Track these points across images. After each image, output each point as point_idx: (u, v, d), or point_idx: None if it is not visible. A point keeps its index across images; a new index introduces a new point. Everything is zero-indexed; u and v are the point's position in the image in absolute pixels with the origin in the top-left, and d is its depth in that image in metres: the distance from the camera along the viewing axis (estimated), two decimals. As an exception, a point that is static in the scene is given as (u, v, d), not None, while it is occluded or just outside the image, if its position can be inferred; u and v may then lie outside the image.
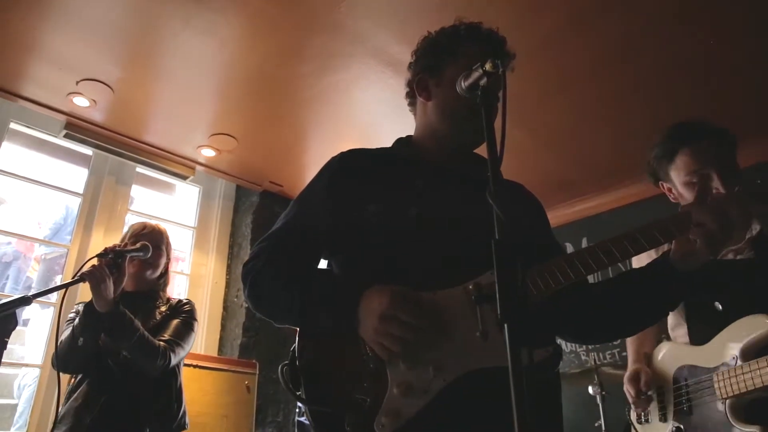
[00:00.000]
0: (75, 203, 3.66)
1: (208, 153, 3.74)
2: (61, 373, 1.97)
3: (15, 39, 2.71)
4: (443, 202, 1.26)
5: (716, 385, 1.59)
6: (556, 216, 4.14)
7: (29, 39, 2.72)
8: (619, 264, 1.20)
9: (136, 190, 4.02)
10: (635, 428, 1.87)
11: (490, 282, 1.00)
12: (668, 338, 1.91)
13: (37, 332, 3.89)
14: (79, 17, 2.57)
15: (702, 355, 1.69)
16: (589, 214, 4.21)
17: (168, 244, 2.39)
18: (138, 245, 2.15)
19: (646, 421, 1.83)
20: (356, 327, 1.11)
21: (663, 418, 1.75)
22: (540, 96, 3.07)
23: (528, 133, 3.40)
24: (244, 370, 3.22)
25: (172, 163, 3.80)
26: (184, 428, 2.17)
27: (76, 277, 1.91)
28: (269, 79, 3.00)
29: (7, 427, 3.61)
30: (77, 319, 2.02)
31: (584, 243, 4.10)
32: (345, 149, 1.40)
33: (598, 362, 2.88)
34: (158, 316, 2.22)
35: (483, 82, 1.05)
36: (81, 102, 3.19)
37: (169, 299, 2.33)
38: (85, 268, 1.93)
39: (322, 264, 1.36)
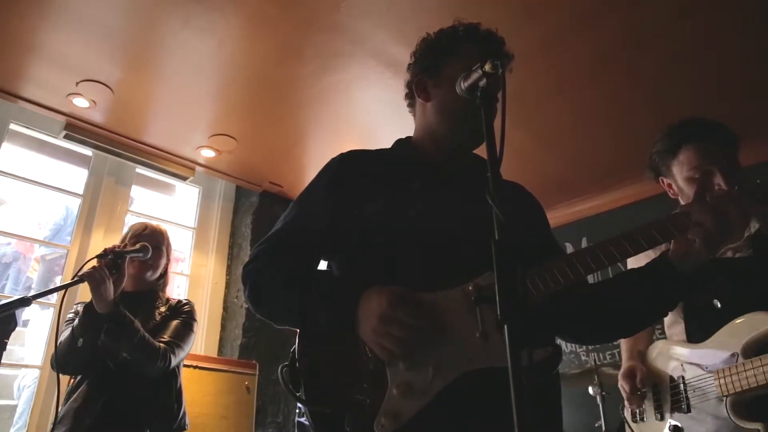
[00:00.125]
0: (75, 204, 3.66)
1: (207, 153, 3.74)
2: (60, 374, 1.97)
3: (15, 40, 2.71)
4: (443, 203, 1.26)
5: (717, 383, 1.59)
6: (556, 216, 4.15)
7: (29, 40, 2.72)
8: (619, 264, 1.20)
9: (136, 191, 4.02)
10: (630, 427, 1.86)
11: (489, 282, 1.01)
12: (663, 336, 1.91)
13: (36, 333, 3.89)
14: (78, 18, 2.58)
15: (701, 353, 1.69)
16: (588, 214, 4.21)
17: (168, 245, 2.38)
18: (138, 246, 2.15)
19: (641, 419, 1.83)
20: (356, 327, 1.11)
21: (659, 416, 1.75)
22: (539, 96, 3.07)
23: (527, 133, 3.40)
24: (244, 370, 3.21)
25: (171, 164, 3.80)
26: (184, 429, 2.17)
27: (75, 278, 1.91)
28: (269, 79, 3.00)
29: (7, 428, 3.61)
30: (77, 320, 2.01)
31: (584, 243, 4.10)
32: (345, 149, 1.40)
33: (598, 362, 2.88)
34: (158, 317, 2.22)
35: (482, 83, 1.05)
36: (81, 103, 3.19)
37: (168, 300, 2.33)
38: (85, 269, 1.93)
39: (322, 265, 1.37)
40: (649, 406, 1.80)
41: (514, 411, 0.76)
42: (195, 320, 2.30)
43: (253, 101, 3.22)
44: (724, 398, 1.57)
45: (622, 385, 1.83)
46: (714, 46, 2.67)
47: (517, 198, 1.41)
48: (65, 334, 2.05)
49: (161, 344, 2.07)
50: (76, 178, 3.73)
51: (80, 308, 2.16)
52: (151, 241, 2.21)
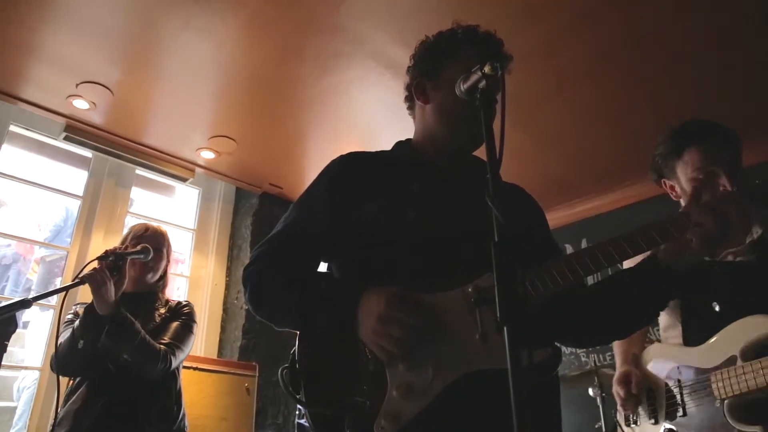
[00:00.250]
0: (75, 205, 3.66)
1: (207, 155, 3.74)
2: (60, 376, 1.97)
3: (15, 41, 2.72)
4: (442, 204, 1.26)
5: (714, 386, 1.58)
6: (556, 217, 4.15)
7: (29, 41, 2.72)
8: (619, 265, 1.20)
9: (136, 192, 4.02)
10: (623, 431, 1.85)
11: (489, 284, 1.00)
12: (658, 339, 1.90)
13: (36, 335, 3.89)
14: (78, 20, 2.58)
15: (697, 356, 1.68)
16: (588, 215, 4.21)
17: (169, 247, 2.38)
18: (139, 248, 2.14)
19: (635, 423, 1.82)
20: (356, 328, 1.11)
21: (654, 421, 1.74)
22: (539, 97, 3.07)
23: (527, 134, 3.40)
24: (243, 372, 3.21)
25: (171, 165, 3.80)
26: (184, 430, 2.16)
27: (76, 280, 1.90)
28: (268, 80, 3.01)
29: (7, 429, 3.61)
30: (77, 322, 2.01)
31: (584, 244, 4.10)
32: (345, 151, 1.40)
33: (598, 364, 2.88)
34: (157, 319, 2.22)
35: (482, 84, 1.05)
36: (80, 104, 3.19)
37: (168, 301, 2.32)
38: (86, 271, 1.93)
39: (322, 267, 1.37)
40: (643, 411, 1.79)
41: (513, 412, 0.76)
42: (195, 322, 2.30)
43: (252, 102, 3.22)
44: (722, 401, 1.56)
45: (617, 391, 1.82)
46: (714, 46, 2.67)
47: (517, 199, 1.41)
48: (65, 335, 2.05)
49: (161, 346, 2.07)
50: (76, 179, 3.73)
51: (79, 309, 2.16)
52: (152, 243, 2.21)
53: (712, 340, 1.65)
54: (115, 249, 2.08)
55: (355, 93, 3.10)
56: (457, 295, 1.11)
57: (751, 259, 1.70)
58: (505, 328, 0.81)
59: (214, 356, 3.76)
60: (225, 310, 3.98)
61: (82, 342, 1.95)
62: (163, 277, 2.37)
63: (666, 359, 1.78)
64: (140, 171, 3.85)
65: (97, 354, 1.98)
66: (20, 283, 4.48)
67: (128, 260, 2.08)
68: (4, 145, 3.30)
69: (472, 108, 1.07)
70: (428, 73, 1.36)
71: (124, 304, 2.02)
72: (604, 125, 3.33)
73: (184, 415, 2.18)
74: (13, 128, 3.39)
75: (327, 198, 1.31)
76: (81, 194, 3.58)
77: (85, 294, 2.22)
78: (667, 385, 1.73)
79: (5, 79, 3.01)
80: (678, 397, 1.68)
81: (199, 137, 3.56)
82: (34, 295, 1.61)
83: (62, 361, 2.00)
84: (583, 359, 3.93)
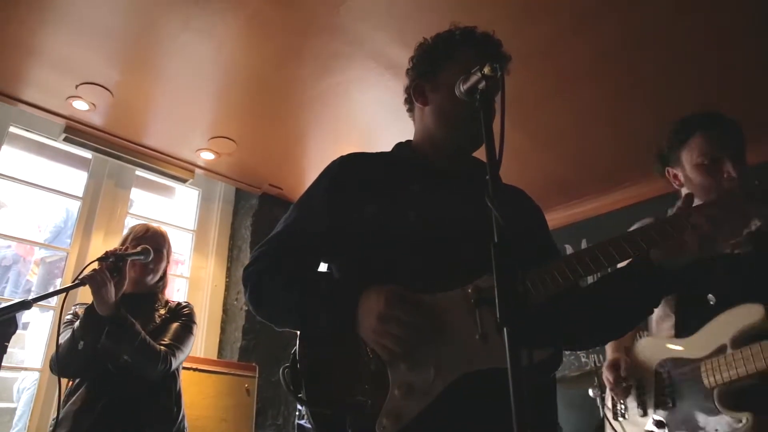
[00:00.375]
0: (75, 206, 3.66)
1: (207, 156, 3.74)
2: (60, 377, 1.97)
3: (14, 42, 2.72)
4: (442, 205, 1.26)
5: (704, 375, 1.58)
6: (556, 218, 4.14)
7: (29, 43, 2.72)
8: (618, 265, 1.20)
9: (136, 193, 4.02)
10: (611, 424, 1.85)
11: (489, 285, 1.00)
12: (648, 332, 1.90)
13: (36, 336, 3.89)
14: (78, 21, 2.58)
15: (687, 347, 1.68)
16: (588, 215, 4.21)
17: (169, 247, 2.38)
18: (139, 249, 2.14)
19: (623, 416, 1.82)
20: (356, 328, 1.11)
21: (642, 412, 1.74)
22: (539, 97, 3.07)
23: (527, 135, 3.40)
24: (243, 373, 3.21)
25: (171, 166, 3.80)
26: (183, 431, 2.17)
27: (77, 281, 1.90)
28: (268, 81, 3.01)
29: (7, 430, 3.61)
30: (78, 323, 2.01)
31: (583, 245, 4.09)
32: (345, 151, 1.40)
33: (597, 364, 2.87)
34: (157, 320, 2.22)
35: (482, 85, 1.05)
36: (80, 105, 3.19)
37: (167, 302, 2.32)
38: (86, 272, 1.93)
39: (323, 267, 1.37)
40: (631, 402, 1.79)
41: (513, 412, 0.76)
42: (195, 323, 2.30)
43: (252, 103, 3.22)
44: (712, 390, 1.56)
45: (607, 377, 1.84)
46: (714, 46, 2.67)
47: (517, 201, 1.42)
48: (65, 336, 2.05)
49: (162, 347, 2.07)
50: (76, 180, 3.73)
51: (78, 310, 2.16)
52: (152, 244, 2.21)
53: (703, 330, 1.65)
54: (115, 250, 2.08)
55: (355, 94, 3.10)
56: (457, 295, 1.11)
57: (748, 251, 1.70)
58: (504, 330, 0.81)
59: (214, 357, 3.76)
60: (225, 310, 3.98)
61: (82, 343, 1.95)
62: (163, 278, 2.37)
63: (655, 352, 1.78)
64: (140, 172, 3.85)
65: (98, 355, 1.98)
66: (20, 284, 4.48)
67: (128, 261, 2.08)
68: (4, 147, 3.30)
69: (472, 109, 1.07)
70: (426, 75, 1.37)
71: (124, 305, 2.02)
72: (604, 125, 3.33)
73: (183, 416, 2.18)
74: (12, 129, 3.39)
75: (327, 199, 1.31)
76: (81, 195, 3.58)
77: (84, 295, 2.22)
78: (657, 375, 1.74)
79: (5, 80, 3.01)
80: (668, 387, 1.69)
81: (198, 138, 3.56)
82: (34, 297, 1.61)
83: (62, 362, 2.00)
84: (583, 360, 3.92)
